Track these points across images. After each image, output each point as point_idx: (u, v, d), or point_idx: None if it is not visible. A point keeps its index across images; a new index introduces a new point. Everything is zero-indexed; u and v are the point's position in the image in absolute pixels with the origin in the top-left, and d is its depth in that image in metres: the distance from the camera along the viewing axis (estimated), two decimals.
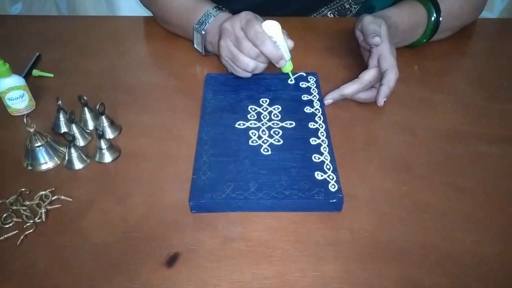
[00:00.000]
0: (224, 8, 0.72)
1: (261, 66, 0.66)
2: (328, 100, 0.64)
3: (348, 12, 0.89)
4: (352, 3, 0.88)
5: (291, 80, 0.68)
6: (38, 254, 0.46)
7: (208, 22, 0.70)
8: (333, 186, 0.51)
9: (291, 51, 0.66)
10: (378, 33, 0.61)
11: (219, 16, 0.70)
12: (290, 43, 0.65)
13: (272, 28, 0.62)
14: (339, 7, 0.88)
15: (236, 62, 0.65)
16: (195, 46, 0.75)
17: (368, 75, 0.63)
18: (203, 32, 0.70)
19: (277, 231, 0.49)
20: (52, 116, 0.61)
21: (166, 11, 0.79)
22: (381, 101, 0.61)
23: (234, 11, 0.69)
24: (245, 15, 0.64)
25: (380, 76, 0.62)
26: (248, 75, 0.67)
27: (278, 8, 0.86)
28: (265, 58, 0.64)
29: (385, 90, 0.61)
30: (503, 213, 0.51)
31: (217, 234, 0.48)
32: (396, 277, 0.44)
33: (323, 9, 0.89)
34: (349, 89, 0.63)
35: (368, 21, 0.63)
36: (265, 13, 0.85)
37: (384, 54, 0.61)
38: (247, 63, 0.64)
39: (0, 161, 0.57)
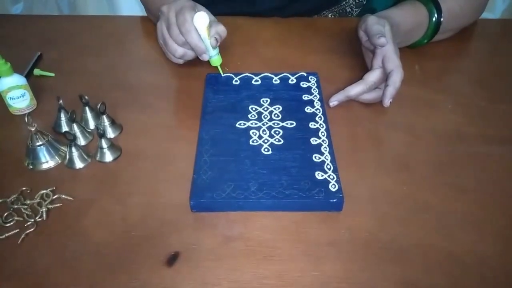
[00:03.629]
0: None
1: (190, 53, 0.67)
2: (333, 102, 0.64)
3: (349, 15, 0.89)
4: (354, 6, 0.88)
5: (223, 74, 0.68)
6: (39, 253, 0.47)
7: None
8: (333, 186, 0.51)
9: (218, 48, 0.66)
10: (383, 34, 0.61)
11: (180, 1, 0.68)
12: (213, 42, 0.64)
13: (198, 21, 0.62)
14: (340, 11, 0.88)
15: (166, 47, 0.67)
16: None
17: (373, 76, 0.62)
18: None
19: (277, 230, 0.49)
20: (53, 116, 0.61)
21: (148, 2, 0.81)
22: (387, 102, 0.61)
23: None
24: (184, 1, 0.65)
25: (385, 77, 0.62)
26: (180, 61, 0.68)
27: (278, 12, 0.87)
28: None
29: (391, 91, 0.61)
30: (503, 213, 0.51)
31: (217, 234, 0.48)
32: (396, 277, 0.44)
33: (324, 12, 0.89)
34: (354, 90, 0.63)
35: (372, 21, 0.63)
36: (268, 16, 0.85)
37: (388, 55, 0.61)
38: (175, 49, 0.66)
39: (1, 160, 0.57)
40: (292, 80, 0.67)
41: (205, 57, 0.65)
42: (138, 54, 0.79)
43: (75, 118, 0.58)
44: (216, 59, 0.67)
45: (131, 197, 0.52)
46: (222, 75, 0.68)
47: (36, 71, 0.72)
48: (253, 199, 0.50)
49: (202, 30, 0.63)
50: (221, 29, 0.65)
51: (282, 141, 0.57)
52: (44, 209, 0.50)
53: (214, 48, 0.65)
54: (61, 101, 0.60)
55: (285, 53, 0.77)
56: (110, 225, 0.49)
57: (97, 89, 0.69)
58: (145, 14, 0.89)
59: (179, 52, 0.66)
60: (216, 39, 0.64)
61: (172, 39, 0.65)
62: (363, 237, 0.48)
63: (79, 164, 0.56)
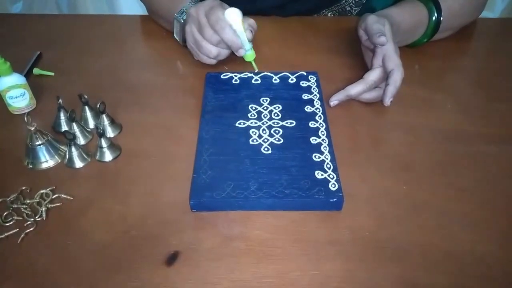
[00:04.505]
0: None
1: (224, 53, 0.67)
2: (334, 101, 0.64)
3: (349, 14, 0.89)
4: (353, 5, 0.88)
5: (256, 70, 0.68)
6: (39, 253, 0.47)
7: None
8: (333, 185, 0.51)
9: (251, 41, 0.67)
10: (383, 33, 0.61)
11: (207, 2, 0.69)
12: (249, 35, 0.65)
13: (232, 16, 0.63)
14: (340, 9, 0.88)
15: (199, 49, 0.66)
16: (174, 35, 0.75)
17: (373, 75, 0.63)
18: (182, 21, 0.70)
19: (277, 230, 0.49)
20: (52, 115, 0.61)
21: (153, 2, 0.80)
22: (387, 101, 0.61)
23: None
24: (210, 1, 0.65)
25: (385, 76, 0.62)
26: (213, 61, 0.68)
27: (278, 11, 0.86)
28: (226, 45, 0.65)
29: (391, 90, 0.61)
30: (503, 213, 0.51)
31: (217, 233, 0.48)
32: (396, 276, 0.44)
33: (323, 11, 0.89)
34: (354, 89, 0.63)
35: (372, 20, 0.63)
36: (266, 15, 0.85)
37: (389, 54, 0.61)
38: (209, 50, 0.65)
39: (0, 160, 0.57)
40: (292, 80, 0.67)
41: (241, 52, 0.65)
42: (137, 53, 0.79)
43: (75, 117, 0.58)
44: (250, 54, 0.67)
45: (130, 196, 0.52)
46: (256, 71, 0.68)
47: (36, 71, 0.72)
48: (253, 198, 0.50)
49: (237, 25, 0.63)
50: (252, 21, 0.66)
51: (282, 141, 0.57)
52: (43, 209, 0.50)
53: (249, 41, 0.65)
54: (60, 101, 0.60)
55: (285, 53, 0.77)
56: (110, 224, 0.49)
57: (96, 89, 0.69)
58: (144, 13, 0.89)
59: (213, 52, 0.66)
60: (251, 31, 0.65)
61: (205, 40, 0.65)
62: (363, 236, 0.48)
63: (78, 164, 0.56)
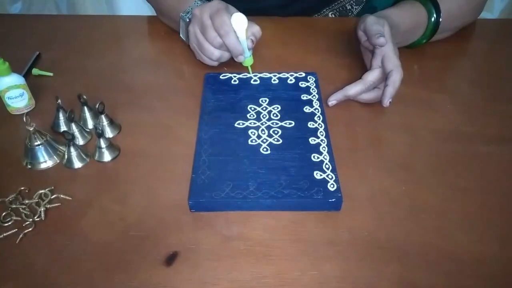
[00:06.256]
0: None
1: (225, 55, 0.67)
2: (332, 101, 0.64)
3: (350, 13, 0.89)
4: (354, 4, 0.88)
5: (252, 75, 0.68)
6: (37, 253, 0.47)
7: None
8: (332, 186, 0.51)
9: (250, 49, 0.67)
10: (382, 34, 0.61)
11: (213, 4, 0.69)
12: (249, 44, 0.66)
13: (238, 22, 0.63)
14: (340, 8, 0.88)
15: (201, 50, 0.66)
16: (180, 35, 0.75)
17: (372, 76, 0.63)
18: (187, 20, 0.71)
19: (276, 230, 0.49)
20: (51, 115, 0.61)
21: (160, 3, 0.80)
22: (386, 102, 0.61)
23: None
24: (216, 3, 0.65)
25: (384, 77, 0.62)
26: (214, 63, 0.68)
27: (280, 9, 0.87)
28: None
29: (390, 90, 0.61)
30: (502, 213, 0.51)
31: (216, 233, 0.48)
32: (395, 276, 0.44)
33: (324, 10, 0.89)
34: (353, 90, 0.63)
35: (372, 21, 0.63)
36: (267, 14, 0.85)
37: (388, 55, 0.62)
38: (211, 52, 0.66)
39: None
40: (291, 80, 0.67)
41: (241, 59, 0.66)
42: (137, 54, 0.79)
43: (74, 117, 0.58)
44: (249, 60, 0.67)
45: (129, 196, 0.52)
46: (251, 75, 0.68)
47: (35, 71, 0.72)
48: (252, 198, 0.50)
49: (240, 32, 0.64)
50: (256, 29, 0.66)
51: (281, 141, 0.57)
52: (42, 209, 0.50)
53: (250, 49, 0.66)
54: (59, 101, 0.60)
55: (284, 53, 0.77)
56: (109, 225, 0.49)
57: (95, 89, 0.69)
58: (143, 13, 0.89)
59: (216, 54, 0.66)
60: (252, 41, 0.66)
61: (208, 42, 0.65)
62: (362, 236, 0.48)
63: (77, 164, 0.56)
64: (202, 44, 0.66)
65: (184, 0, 0.73)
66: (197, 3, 0.70)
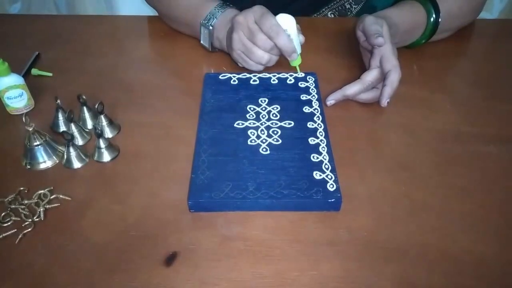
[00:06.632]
0: (231, 5, 0.72)
1: (274, 59, 0.68)
2: (330, 101, 0.64)
3: (349, 13, 0.89)
4: (353, 3, 0.88)
5: (300, 74, 0.68)
6: (37, 253, 0.46)
7: (215, 17, 0.70)
8: (331, 186, 0.51)
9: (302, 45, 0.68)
10: (380, 34, 0.61)
11: (227, 12, 0.70)
12: (302, 38, 0.67)
13: (286, 21, 0.64)
14: (339, 7, 0.88)
15: (249, 55, 0.66)
16: (202, 42, 0.75)
17: (370, 76, 0.63)
18: (210, 28, 0.71)
19: (275, 230, 0.49)
20: (51, 115, 0.61)
21: (172, 9, 0.79)
22: (384, 102, 0.61)
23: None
24: (258, 8, 0.65)
25: (382, 77, 0.63)
26: (261, 67, 0.68)
27: (279, 8, 0.86)
28: (278, 50, 0.65)
29: (388, 91, 0.61)
30: (501, 213, 0.51)
31: (215, 234, 0.48)
32: (394, 276, 0.44)
33: (323, 9, 0.89)
34: (351, 89, 0.63)
35: (370, 21, 0.63)
36: None
37: (386, 55, 0.62)
38: (261, 56, 0.65)
39: None
40: (290, 80, 0.67)
41: (294, 56, 0.66)
42: (136, 54, 0.79)
43: (73, 118, 0.58)
44: (298, 58, 0.68)
45: (129, 197, 0.52)
46: (299, 74, 0.68)
47: (34, 71, 0.72)
48: (251, 199, 0.50)
49: (292, 29, 0.64)
50: (299, 27, 0.67)
51: (280, 141, 0.57)
52: (41, 209, 0.50)
53: (302, 44, 0.67)
54: (58, 101, 0.60)
55: None
56: (108, 225, 0.49)
57: (95, 89, 0.68)
58: (143, 13, 0.89)
59: (265, 58, 0.66)
60: (303, 35, 0.66)
61: (257, 46, 0.65)
62: (362, 236, 0.48)
63: (77, 164, 0.56)
64: (251, 49, 0.65)
65: (201, 7, 0.73)
66: (218, 10, 0.71)
